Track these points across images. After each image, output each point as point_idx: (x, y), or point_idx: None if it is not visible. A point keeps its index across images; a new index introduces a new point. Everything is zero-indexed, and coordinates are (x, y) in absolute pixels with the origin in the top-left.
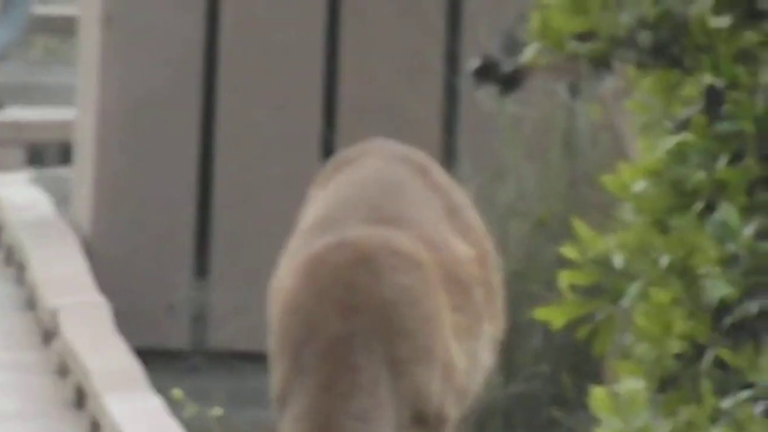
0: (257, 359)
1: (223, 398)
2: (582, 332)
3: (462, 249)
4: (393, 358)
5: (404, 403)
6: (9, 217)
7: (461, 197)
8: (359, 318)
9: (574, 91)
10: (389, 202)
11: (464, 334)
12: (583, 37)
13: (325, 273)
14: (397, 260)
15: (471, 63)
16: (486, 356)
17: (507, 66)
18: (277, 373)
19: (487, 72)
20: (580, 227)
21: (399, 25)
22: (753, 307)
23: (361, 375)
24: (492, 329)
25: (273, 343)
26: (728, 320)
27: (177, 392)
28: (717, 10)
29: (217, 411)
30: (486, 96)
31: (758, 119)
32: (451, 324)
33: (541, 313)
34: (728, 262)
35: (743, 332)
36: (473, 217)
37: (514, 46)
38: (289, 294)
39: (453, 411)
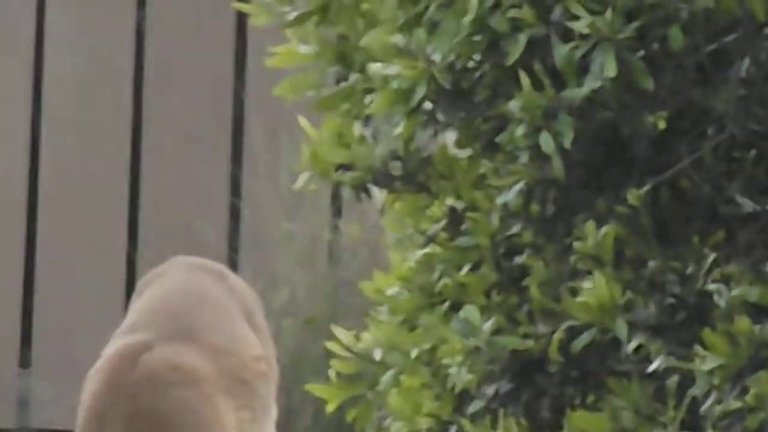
0: None
1: None
2: (350, 414)
3: (253, 348)
4: None
5: None
6: None
7: (254, 301)
8: (141, 425)
9: (337, 211)
10: (188, 312)
11: (249, 425)
12: (345, 167)
13: (119, 379)
14: (177, 376)
15: None
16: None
17: None
18: None
19: None
20: (338, 331)
21: (190, 157)
22: (492, 390)
23: None
24: (275, 413)
25: None
26: (471, 405)
27: None
28: (461, 144)
29: None
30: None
31: (493, 236)
32: (236, 420)
33: (316, 389)
34: (471, 353)
35: (482, 413)
36: (262, 319)
37: None
38: (90, 392)
39: None
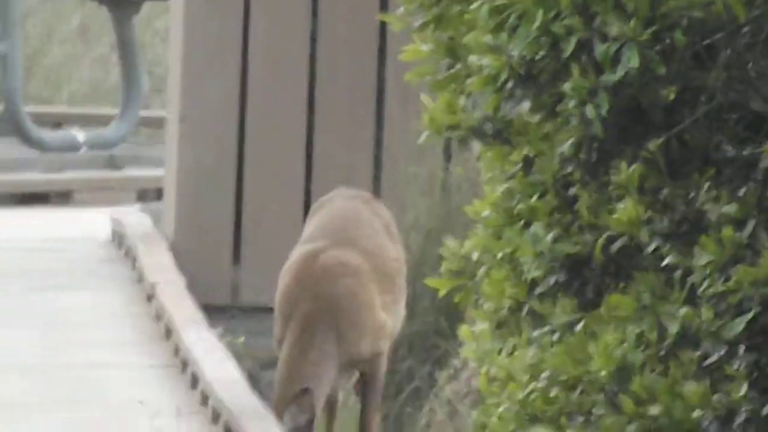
0: (268, 311)
1: (249, 333)
2: (456, 296)
3: (392, 251)
4: (337, 328)
5: (343, 354)
6: (127, 230)
7: (391, 220)
8: (318, 304)
9: (448, 156)
10: (348, 227)
11: (390, 306)
12: (453, 127)
13: (303, 273)
14: (344, 269)
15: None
16: (403, 312)
17: None
18: (276, 328)
19: None
20: (448, 240)
21: (348, 123)
22: (552, 280)
23: (315, 337)
24: (405, 296)
25: (276, 310)
26: (538, 289)
27: (222, 330)
28: (532, 111)
29: (241, 340)
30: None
31: (555, 174)
32: (382, 302)
33: (432, 282)
34: (538, 255)
35: (546, 295)
36: (396, 231)
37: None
38: (283, 283)
39: (385, 347)
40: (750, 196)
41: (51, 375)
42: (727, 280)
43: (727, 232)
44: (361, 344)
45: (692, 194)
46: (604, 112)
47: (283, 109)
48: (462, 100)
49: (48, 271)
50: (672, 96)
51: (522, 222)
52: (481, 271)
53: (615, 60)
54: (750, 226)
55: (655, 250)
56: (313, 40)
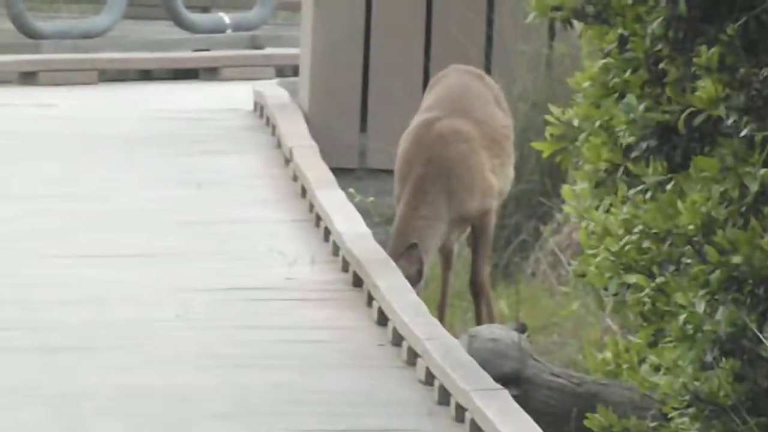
0: (391, 173)
1: (374, 193)
2: (558, 158)
3: (501, 119)
4: (449, 188)
5: (453, 211)
6: (268, 101)
7: (500, 92)
8: (432, 166)
9: (552, 35)
10: (461, 98)
11: (499, 168)
12: (557, 8)
13: (420, 139)
14: (457, 136)
15: None
16: (511, 174)
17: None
18: (395, 188)
19: None
20: (552, 108)
21: (465, 7)
22: (644, 145)
23: (428, 196)
24: (513, 159)
25: (395, 172)
26: (632, 153)
27: (351, 190)
28: None
29: (371, 199)
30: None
31: (646, 52)
32: (490, 166)
33: (537, 145)
34: (631, 123)
35: (639, 158)
36: (505, 102)
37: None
38: (402, 147)
39: (492, 205)
40: None
41: (203, 229)
42: None
43: None
44: (470, 203)
45: (766, 72)
46: None
47: None
48: None
49: (198, 138)
50: None
51: (617, 94)
52: (582, 136)
53: None
54: None
55: (734, 122)
56: None
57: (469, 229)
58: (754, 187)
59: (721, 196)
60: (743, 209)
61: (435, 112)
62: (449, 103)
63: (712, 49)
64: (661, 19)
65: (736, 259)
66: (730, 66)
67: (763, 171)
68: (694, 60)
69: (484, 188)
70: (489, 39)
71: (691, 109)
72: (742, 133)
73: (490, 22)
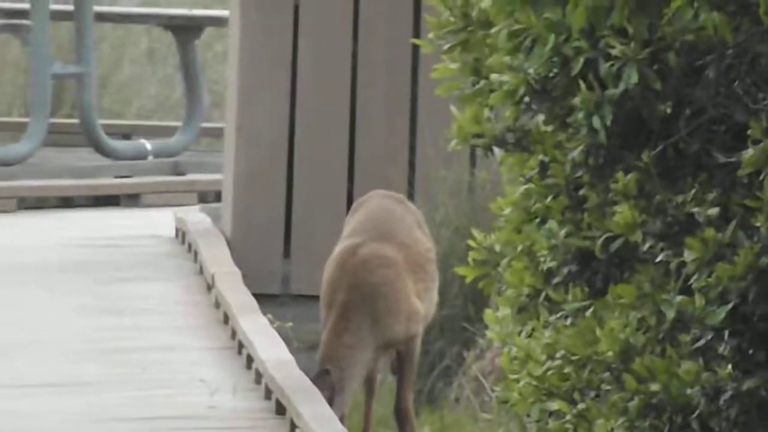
0: (314, 299)
1: (298, 319)
2: (481, 283)
3: (424, 243)
4: (374, 314)
5: (379, 338)
6: (190, 227)
7: (422, 217)
8: (356, 292)
9: (473, 161)
10: (384, 223)
11: (423, 293)
12: (478, 136)
13: (344, 265)
14: (380, 261)
15: None
16: (435, 298)
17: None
18: (321, 314)
19: None
20: (475, 233)
21: (385, 131)
22: (565, 270)
23: (351, 323)
24: (437, 283)
25: (321, 298)
26: (553, 278)
27: (270, 316)
28: (546, 122)
29: (289, 324)
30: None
31: (567, 178)
32: (415, 290)
33: (460, 270)
34: (552, 248)
35: (560, 283)
36: (426, 227)
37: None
38: (327, 274)
39: (418, 330)
40: (735, 198)
41: (124, 357)
42: (711, 275)
43: (710, 233)
44: (396, 328)
45: (681, 198)
46: (608, 122)
47: (327, 119)
48: (486, 112)
49: (119, 265)
50: (669, 109)
51: (538, 219)
52: (504, 261)
53: (617, 77)
54: (732, 227)
55: (650, 248)
56: (354, 59)
57: (393, 355)
58: (670, 314)
59: (639, 322)
60: (660, 336)
61: (358, 237)
62: (372, 227)
63: (630, 176)
64: (581, 146)
65: (654, 387)
66: (647, 193)
67: (679, 298)
68: (612, 186)
69: (410, 313)
70: (411, 165)
71: (609, 234)
72: (658, 259)
73: (412, 149)
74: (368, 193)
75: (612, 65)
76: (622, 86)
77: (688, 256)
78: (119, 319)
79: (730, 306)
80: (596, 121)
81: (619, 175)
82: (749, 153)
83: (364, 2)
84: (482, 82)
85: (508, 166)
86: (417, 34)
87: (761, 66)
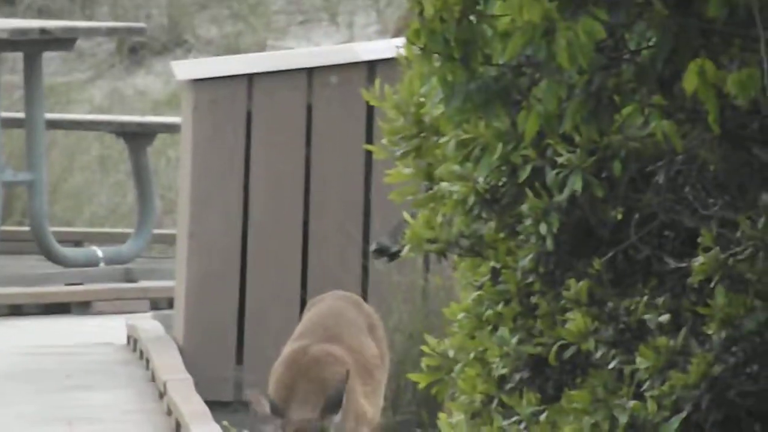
0: None
1: (248, 426)
2: (434, 389)
3: (372, 350)
4: (323, 410)
5: None
6: (141, 335)
7: (377, 321)
8: (310, 387)
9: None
10: (332, 326)
11: (370, 395)
12: (432, 241)
13: (294, 363)
14: (330, 358)
15: (371, 246)
16: (381, 403)
17: (393, 248)
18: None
19: (380, 252)
20: (429, 339)
21: (338, 233)
22: (518, 376)
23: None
24: (384, 388)
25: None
26: (506, 385)
27: (225, 423)
28: (497, 230)
29: None
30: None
31: (518, 284)
32: (362, 391)
33: (413, 376)
34: (504, 355)
35: (513, 390)
36: (382, 332)
37: (396, 237)
38: (277, 374)
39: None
40: (685, 304)
41: None
42: (663, 382)
43: (662, 341)
44: (344, 425)
45: (633, 305)
46: (554, 229)
47: (280, 226)
48: (439, 218)
49: (70, 373)
50: (619, 216)
51: (491, 326)
52: (457, 367)
53: (563, 184)
54: (683, 334)
55: (603, 355)
56: (307, 166)
57: None
58: (623, 419)
59: (592, 428)
60: None
61: (307, 339)
62: (322, 330)
63: (581, 283)
64: (531, 254)
65: None
66: (599, 300)
67: (632, 403)
68: (564, 293)
69: (358, 413)
70: (365, 270)
71: (562, 341)
72: (611, 366)
73: (365, 254)
74: (324, 294)
75: (558, 173)
76: (566, 192)
77: (640, 363)
78: (69, 428)
79: (683, 415)
80: (543, 228)
81: (571, 281)
82: (699, 261)
83: (317, 109)
84: (435, 188)
85: (461, 271)
86: (370, 140)
87: (710, 172)
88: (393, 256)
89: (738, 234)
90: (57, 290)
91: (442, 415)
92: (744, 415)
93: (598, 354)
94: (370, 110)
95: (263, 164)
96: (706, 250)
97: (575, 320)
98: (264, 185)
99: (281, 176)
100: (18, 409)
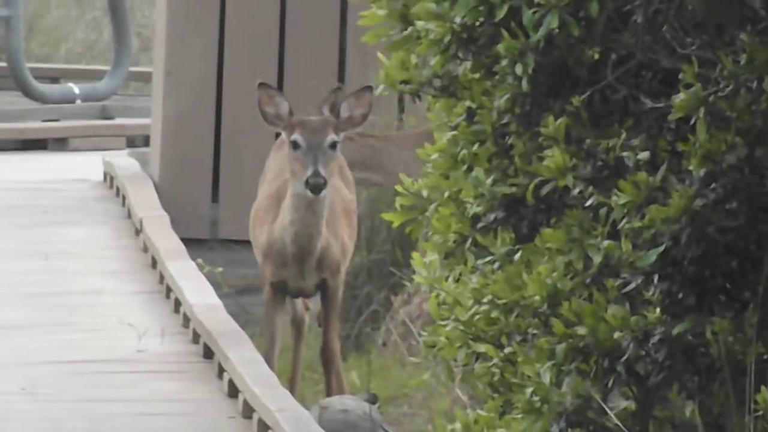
0: (243, 243)
1: (226, 264)
2: (408, 228)
3: (348, 194)
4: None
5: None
6: (118, 172)
7: (344, 161)
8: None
9: (401, 107)
10: None
11: (350, 233)
12: (406, 82)
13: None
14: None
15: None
16: (352, 248)
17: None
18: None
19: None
20: (403, 178)
21: (312, 76)
22: (492, 216)
23: None
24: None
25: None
26: (480, 224)
27: (200, 261)
28: (473, 70)
29: (219, 270)
30: None
31: (494, 125)
32: (346, 231)
33: (387, 216)
34: (479, 196)
35: (487, 229)
36: (348, 171)
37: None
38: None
39: (345, 267)
40: (662, 143)
41: (50, 301)
42: (642, 218)
43: (641, 176)
44: (334, 250)
45: (611, 143)
46: (530, 70)
47: (256, 65)
48: (413, 59)
49: (47, 209)
50: (596, 56)
51: (466, 166)
52: (431, 207)
53: (539, 24)
54: (662, 170)
55: (580, 192)
56: (283, 4)
57: (319, 305)
58: (597, 259)
59: (566, 267)
60: (588, 281)
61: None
62: None
63: (560, 120)
64: (507, 94)
65: (581, 331)
66: (576, 138)
67: (606, 243)
68: (542, 130)
69: (345, 248)
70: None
71: (540, 178)
72: (588, 203)
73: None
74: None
75: (535, 12)
76: (542, 31)
77: (619, 199)
78: (45, 262)
79: (661, 249)
80: (519, 68)
81: (549, 119)
82: (680, 97)
83: None
84: (410, 29)
85: (435, 112)
86: None
87: (688, 11)
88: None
89: (716, 73)
90: (34, 126)
91: (415, 255)
92: (722, 252)
93: (575, 191)
94: None
95: (239, 1)
96: (688, 86)
97: (553, 156)
98: (239, 23)
99: (257, 15)
100: None
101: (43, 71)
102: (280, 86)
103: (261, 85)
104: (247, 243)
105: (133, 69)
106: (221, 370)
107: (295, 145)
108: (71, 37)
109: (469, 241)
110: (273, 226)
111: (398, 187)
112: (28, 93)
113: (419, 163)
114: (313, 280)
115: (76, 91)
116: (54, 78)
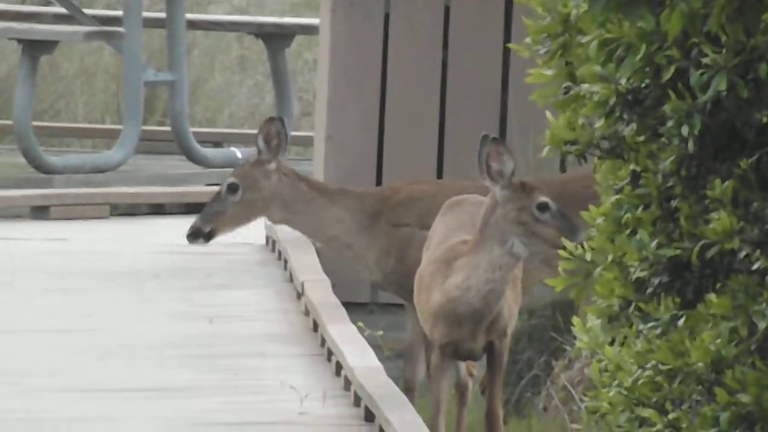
0: (403, 307)
1: (385, 327)
2: (572, 293)
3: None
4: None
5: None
6: (280, 236)
7: None
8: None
9: (563, 169)
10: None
11: (515, 297)
12: (572, 143)
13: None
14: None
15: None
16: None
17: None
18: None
19: (194, 236)
20: (566, 243)
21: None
22: (656, 281)
23: None
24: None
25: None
26: (644, 289)
27: (360, 324)
28: (638, 132)
29: (380, 333)
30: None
31: (659, 188)
32: (511, 294)
33: (551, 282)
34: (643, 259)
35: (651, 294)
36: None
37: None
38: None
39: (510, 330)
40: None
41: (215, 363)
42: None
43: None
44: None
45: None
46: (696, 131)
47: (416, 129)
48: (580, 119)
49: (210, 271)
50: (765, 119)
51: (629, 229)
52: (596, 271)
53: (707, 86)
54: None
55: (746, 256)
56: (444, 67)
57: (484, 370)
58: (762, 325)
59: (731, 334)
60: (752, 347)
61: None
62: (467, 232)
63: (726, 183)
64: (672, 156)
65: (745, 399)
66: (744, 201)
67: None
68: (708, 193)
69: (510, 306)
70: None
71: (705, 241)
72: (754, 267)
73: None
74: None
75: (702, 74)
76: (710, 94)
77: None
78: (210, 325)
79: None
80: (686, 130)
81: (716, 182)
82: None
83: (455, 10)
84: (576, 89)
85: (601, 173)
86: (508, 40)
87: None
88: (208, 236)
89: None
90: (198, 190)
91: (576, 320)
92: None
93: (742, 254)
94: (508, 10)
95: (400, 66)
96: None
97: (720, 219)
98: (401, 87)
99: (418, 78)
100: (160, 307)
101: (206, 135)
102: (440, 146)
103: (493, 139)
104: (404, 307)
105: (294, 133)
106: None
107: (545, 208)
108: (234, 102)
109: (632, 306)
110: (447, 287)
111: (561, 252)
112: (192, 157)
113: None
114: (482, 343)
115: (239, 155)
116: (217, 142)
